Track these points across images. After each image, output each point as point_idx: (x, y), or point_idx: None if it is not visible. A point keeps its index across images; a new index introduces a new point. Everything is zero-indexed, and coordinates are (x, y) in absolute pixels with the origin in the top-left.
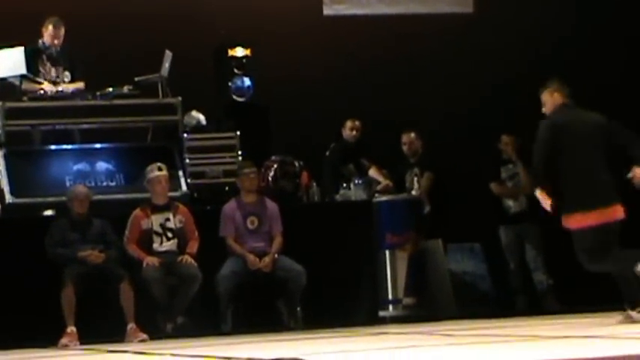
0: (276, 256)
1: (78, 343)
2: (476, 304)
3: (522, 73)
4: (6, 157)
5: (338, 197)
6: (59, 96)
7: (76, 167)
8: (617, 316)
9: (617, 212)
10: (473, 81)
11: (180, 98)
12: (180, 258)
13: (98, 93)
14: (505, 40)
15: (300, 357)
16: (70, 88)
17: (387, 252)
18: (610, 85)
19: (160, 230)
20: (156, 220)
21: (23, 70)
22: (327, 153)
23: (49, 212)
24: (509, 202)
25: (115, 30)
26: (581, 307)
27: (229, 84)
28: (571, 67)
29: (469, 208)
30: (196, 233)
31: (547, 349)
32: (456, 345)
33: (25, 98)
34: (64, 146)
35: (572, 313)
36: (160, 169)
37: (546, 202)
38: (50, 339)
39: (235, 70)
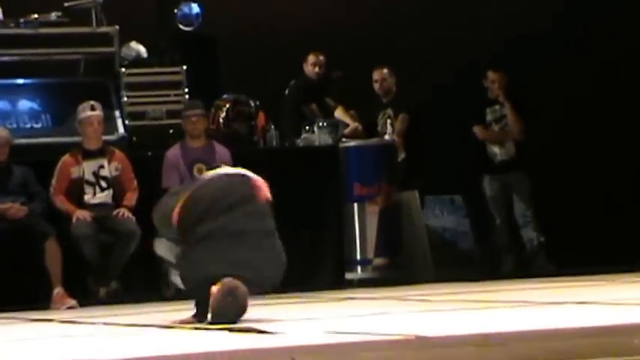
0: None
1: None
2: (456, 265)
3: (512, 2)
4: None
5: (299, 142)
6: None
7: None
8: None
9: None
10: (455, 10)
11: (117, 27)
12: (115, 212)
13: (21, 20)
14: None
15: (255, 326)
16: None
17: (356, 205)
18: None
19: (92, 179)
20: (88, 168)
21: None
22: (287, 91)
23: None
24: (495, 149)
25: None
26: (575, 268)
27: (174, 11)
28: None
29: (449, 156)
30: (135, 183)
31: (537, 316)
32: (433, 312)
33: None
34: None
35: (566, 276)
36: (92, 108)
37: None
38: None
39: None
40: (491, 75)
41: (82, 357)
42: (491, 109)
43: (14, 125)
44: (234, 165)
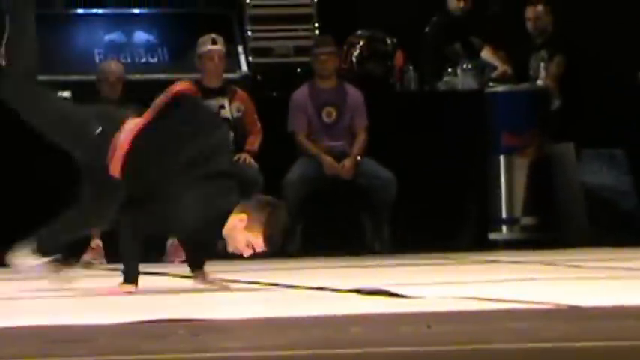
0: (358, 158)
1: (104, 260)
2: (615, 227)
3: None
4: None
5: (440, 85)
6: None
7: (107, 38)
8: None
9: None
10: None
11: None
12: (237, 157)
13: None
14: None
15: (386, 288)
16: None
17: (503, 157)
18: None
19: None
20: None
21: None
22: (428, 28)
23: (65, 94)
24: None
25: None
26: None
27: None
28: None
29: (611, 104)
30: (258, 126)
31: None
32: (588, 279)
33: None
34: (94, 10)
35: None
36: (214, 42)
37: None
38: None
39: None
40: None
41: (193, 315)
42: None
43: (128, 59)
44: (368, 109)
